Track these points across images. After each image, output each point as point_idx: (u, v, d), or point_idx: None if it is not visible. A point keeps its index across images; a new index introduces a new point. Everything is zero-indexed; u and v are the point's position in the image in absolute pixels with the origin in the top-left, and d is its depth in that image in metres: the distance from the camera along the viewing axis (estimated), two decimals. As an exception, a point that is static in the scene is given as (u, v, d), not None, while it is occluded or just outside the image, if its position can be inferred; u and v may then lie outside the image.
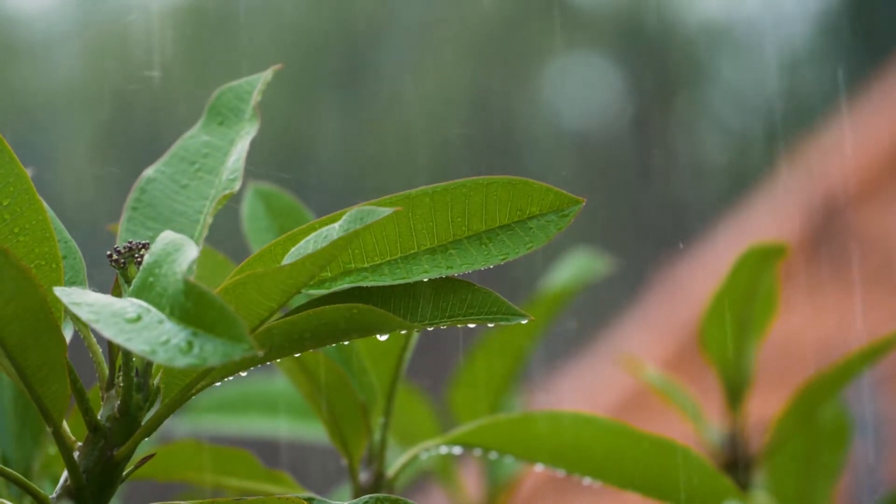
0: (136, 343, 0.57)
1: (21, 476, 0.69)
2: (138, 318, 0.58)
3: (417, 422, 1.32)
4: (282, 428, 1.19)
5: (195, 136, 0.79)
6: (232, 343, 0.56)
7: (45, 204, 0.69)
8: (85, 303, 0.60)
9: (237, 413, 1.18)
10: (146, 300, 0.60)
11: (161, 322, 0.58)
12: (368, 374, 0.91)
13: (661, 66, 4.49)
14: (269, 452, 1.04)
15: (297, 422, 1.19)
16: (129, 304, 0.60)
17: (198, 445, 0.88)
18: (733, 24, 4.61)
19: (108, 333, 0.57)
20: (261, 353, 0.57)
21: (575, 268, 1.38)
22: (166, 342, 0.57)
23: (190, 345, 0.57)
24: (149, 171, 0.78)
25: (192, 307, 0.58)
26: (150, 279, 0.61)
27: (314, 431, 1.17)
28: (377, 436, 0.91)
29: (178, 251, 0.62)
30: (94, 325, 0.58)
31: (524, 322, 0.70)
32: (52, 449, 0.93)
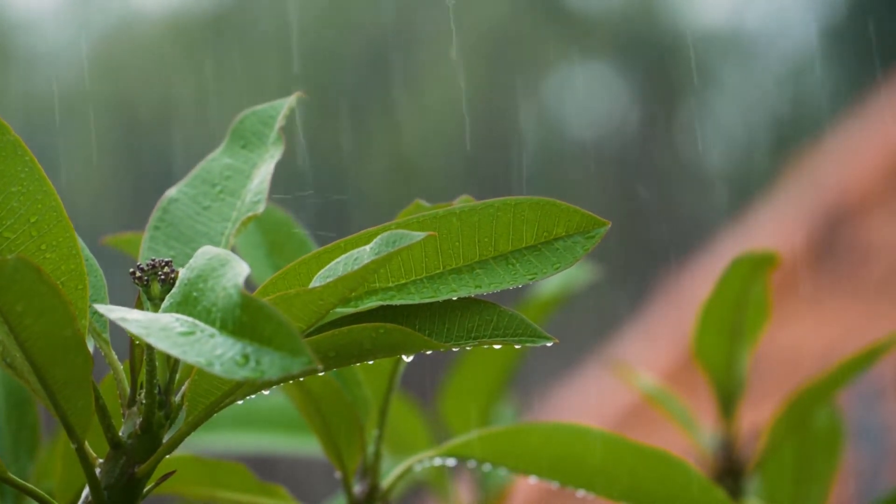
0: (191, 356, 0.57)
1: (44, 494, 0.69)
2: (190, 333, 0.59)
3: (409, 431, 1.32)
4: (275, 442, 1.18)
5: (217, 159, 0.79)
6: (291, 356, 0.56)
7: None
8: (132, 319, 0.60)
9: (230, 428, 1.18)
10: (190, 315, 0.61)
11: (212, 336, 0.59)
12: (363, 386, 0.91)
13: (665, 76, 4.49)
14: (262, 465, 1.04)
15: (290, 435, 1.18)
16: (175, 320, 0.60)
17: (190, 458, 0.88)
18: (738, 34, 4.61)
19: (161, 346, 0.58)
20: (320, 367, 0.57)
21: (560, 276, 1.37)
22: (221, 355, 0.57)
23: (246, 358, 0.57)
24: (171, 192, 0.78)
25: (248, 320, 0.58)
26: (194, 294, 0.62)
27: (307, 445, 1.17)
28: (371, 448, 0.91)
29: (225, 266, 0.62)
30: (146, 339, 0.58)
31: (549, 344, 0.70)
32: (46, 463, 0.93)
